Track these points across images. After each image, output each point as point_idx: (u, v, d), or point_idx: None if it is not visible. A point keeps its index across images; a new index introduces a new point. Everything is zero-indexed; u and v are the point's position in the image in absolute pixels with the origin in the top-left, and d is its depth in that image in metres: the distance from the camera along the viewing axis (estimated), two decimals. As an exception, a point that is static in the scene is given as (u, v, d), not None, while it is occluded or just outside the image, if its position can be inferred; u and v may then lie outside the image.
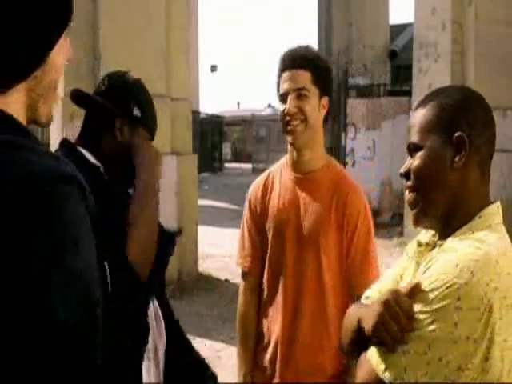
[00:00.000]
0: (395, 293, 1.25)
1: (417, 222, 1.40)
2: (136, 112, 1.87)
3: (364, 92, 13.88)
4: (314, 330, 2.20)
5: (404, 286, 1.31)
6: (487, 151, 1.38)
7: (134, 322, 1.55)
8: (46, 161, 0.88)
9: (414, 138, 1.37)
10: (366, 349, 1.29)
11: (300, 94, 2.16)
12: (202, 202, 11.44)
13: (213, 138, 27.75)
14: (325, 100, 2.22)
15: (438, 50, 9.12)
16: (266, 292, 2.32)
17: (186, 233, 7.71)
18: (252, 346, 2.35)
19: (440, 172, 1.34)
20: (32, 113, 0.98)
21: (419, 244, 1.46)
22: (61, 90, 1.04)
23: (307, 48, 2.26)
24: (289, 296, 2.23)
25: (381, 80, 14.52)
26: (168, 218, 7.39)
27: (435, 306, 1.18)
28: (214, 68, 40.47)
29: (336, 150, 12.44)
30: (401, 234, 10.08)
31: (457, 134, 1.32)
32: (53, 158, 0.90)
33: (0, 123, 0.89)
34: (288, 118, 2.17)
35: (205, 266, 8.53)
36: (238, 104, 48.66)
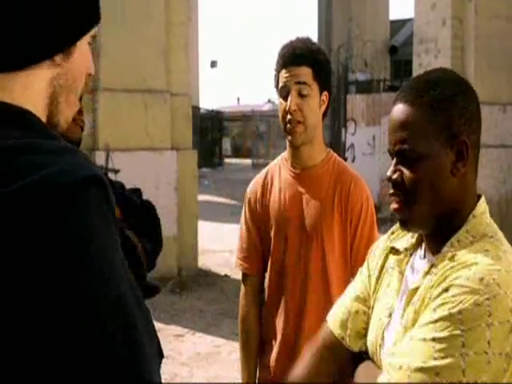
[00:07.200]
0: None
1: (407, 229, 1.32)
2: None
3: (364, 87, 13.86)
4: (320, 324, 2.19)
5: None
6: (479, 145, 1.30)
7: None
8: (66, 163, 0.86)
9: (409, 144, 1.25)
10: None
11: (301, 90, 2.14)
12: (201, 197, 11.43)
13: (213, 134, 27.71)
14: (325, 95, 2.20)
15: (438, 45, 9.10)
16: (268, 291, 2.29)
17: (186, 228, 7.72)
18: (255, 349, 2.31)
19: (440, 182, 1.25)
20: (54, 107, 1.00)
21: (397, 252, 1.38)
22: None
23: (307, 42, 2.22)
24: (294, 293, 2.21)
25: (381, 75, 14.50)
26: (168, 213, 7.39)
27: (466, 327, 1.10)
28: (213, 63, 40.37)
29: (336, 145, 12.42)
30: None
31: (459, 140, 1.24)
32: (75, 157, 0.89)
33: (15, 122, 0.90)
34: (289, 116, 2.15)
35: (204, 262, 8.54)
36: (238, 99, 48.51)
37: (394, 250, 1.39)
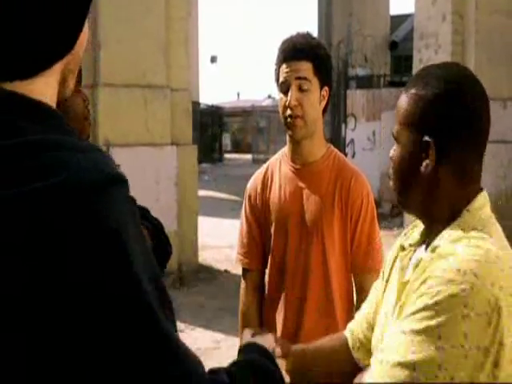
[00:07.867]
0: None
1: (401, 206, 1.37)
2: None
3: (364, 83, 13.85)
4: (320, 320, 2.19)
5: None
6: (472, 149, 1.25)
7: None
8: (90, 160, 0.87)
9: (395, 127, 1.31)
10: None
11: (301, 85, 2.14)
12: (201, 192, 11.44)
13: (213, 129, 27.68)
14: (325, 90, 2.21)
15: (439, 40, 9.09)
16: (269, 287, 2.29)
17: (186, 223, 7.72)
18: None
19: (411, 171, 1.26)
20: (63, 88, 1.01)
21: (402, 248, 1.38)
22: None
23: (307, 37, 2.22)
24: (294, 288, 2.21)
25: (381, 71, 14.50)
26: (168, 208, 7.39)
27: (441, 319, 1.07)
28: (213, 59, 40.32)
29: (336, 141, 12.42)
30: (401, 225, 10.07)
31: (424, 139, 1.23)
32: (96, 155, 0.90)
33: (34, 115, 0.91)
34: (289, 111, 2.16)
35: (205, 257, 8.54)
36: (238, 95, 48.47)
37: (401, 248, 1.39)
